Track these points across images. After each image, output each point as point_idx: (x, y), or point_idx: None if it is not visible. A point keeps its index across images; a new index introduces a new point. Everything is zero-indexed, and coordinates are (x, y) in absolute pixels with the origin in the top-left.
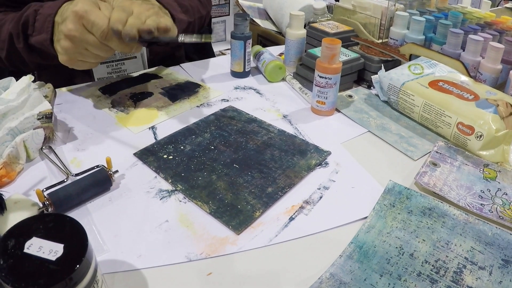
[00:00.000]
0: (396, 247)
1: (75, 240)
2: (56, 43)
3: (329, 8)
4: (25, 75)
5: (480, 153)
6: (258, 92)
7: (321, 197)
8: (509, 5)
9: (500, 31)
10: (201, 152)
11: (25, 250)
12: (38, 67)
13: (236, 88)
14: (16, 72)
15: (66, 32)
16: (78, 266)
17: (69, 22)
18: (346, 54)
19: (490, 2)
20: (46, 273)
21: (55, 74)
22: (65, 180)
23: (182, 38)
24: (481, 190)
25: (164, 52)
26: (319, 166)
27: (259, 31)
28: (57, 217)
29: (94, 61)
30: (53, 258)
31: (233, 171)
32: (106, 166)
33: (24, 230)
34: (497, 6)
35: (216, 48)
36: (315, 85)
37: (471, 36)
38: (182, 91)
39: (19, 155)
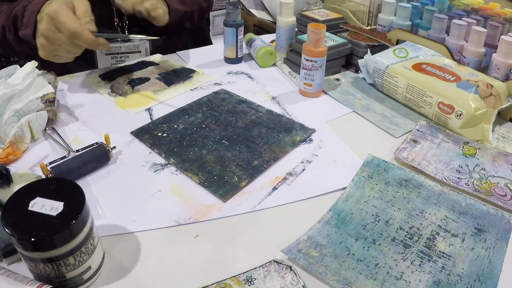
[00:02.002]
0: (373, 215)
1: (74, 199)
2: (37, 38)
3: None
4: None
5: (460, 131)
6: (249, 77)
7: (303, 170)
8: None
9: (486, 16)
10: (193, 130)
11: (30, 208)
12: (29, 57)
13: (228, 73)
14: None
15: (41, 31)
16: (75, 220)
17: (44, 22)
18: (334, 40)
19: None
20: (48, 226)
21: (59, 65)
22: (67, 156)
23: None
24: (459, 165)
25: (164, 46)
26: (304, 142)
27: (255, 21)
28: (58, 180)
29: (68, 55)
30: (54, 214)
31: (222, 146)
32: (105, 143)
33: (29, 191)
34: None
35: (216, 41)
36: (302, 68)
37: (455, 21)
38: (177, 76)
39: (24, 135)
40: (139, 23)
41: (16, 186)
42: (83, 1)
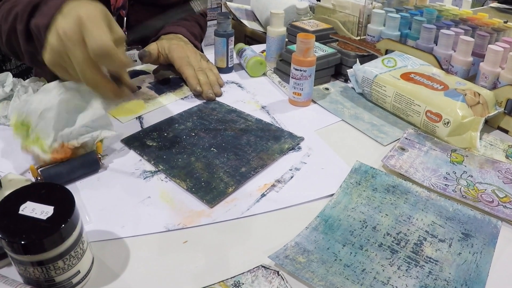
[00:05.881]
0: (360, 221)
1: (64, 204)
2: (49, 34)
3: (312, 8)
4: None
5: (448, 139)
6: (239, 86)
7: (292, 177)
8: (494, 4)
9: (474, 26)
10: (183, 138)
11: (20, 212)
12: (32, 62)
13: None
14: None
15: (59, 27)
16: (65, 224)
17: (67, 19)
18: (323, 50)
19: (471, 1)
20: (38, 229)
21: (51, 73)
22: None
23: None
24: (446, 172)
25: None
26: (292, 150)
27: (246, 32)
28: (49, 185)
29: (74, 76)
30: (44, 218)
31: (211, 154)
32: (97, 151)
33: (20, 195)
34: (483, 6)
35: (207, 51)
36: (292, 77)
37: (443, 30)
38: (168, 85)
39: (87, 146)
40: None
41: (6, 191)
42: (118, 25)
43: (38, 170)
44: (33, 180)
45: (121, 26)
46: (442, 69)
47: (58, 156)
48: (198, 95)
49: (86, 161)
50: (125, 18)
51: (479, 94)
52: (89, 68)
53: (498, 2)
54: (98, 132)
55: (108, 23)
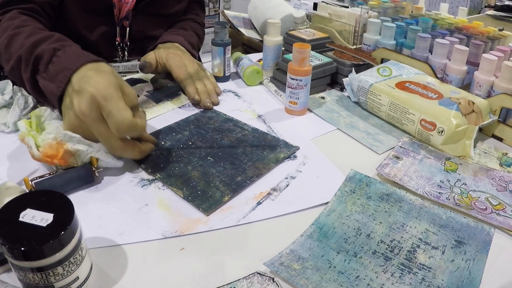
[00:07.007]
0: (354, 229)
1: (64, 211)
2: (65, 109)
3: (308, 17)
4: None
5: (442, 147)
6: (236, 95)
7: (287, 185)
8: (490, 12)
9: (469, 35)
10: (180, 147)
11: (20, 219)
12: (38, 100)
13: None
14: None
15: (78, 111)
16: (64, 231)
17: (83, 100)
18: (319, 59)
19: (467, 9)
20: (37, 236)
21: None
22: (54, 172)
23: None
24: (440, 181)
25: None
26: (288, 159)
27: (243, 40)
28: (49, 193)
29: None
30: (44, 225)
31: (207, 163)
32: (92, 163)
33: (20, 203)
34: (479, 13)
35: (204, 59)
36: (288, 86)
37: (438, 40)
38: (165, 94)
39: (79, 156)
40: (138, 44)
41: (2, 198)
42: (128, 85)
43: (32, 182)
44: (27, 191)
45: (124, 36)
46: (437, 78)
47: (49, 152)
48: (195, 104)
49: (81, 174)
50: (128, 28)
51: (473, 103)
52: (113, 138)
53: (495, 10)
54: (96, 149)
55: (120, 89)
